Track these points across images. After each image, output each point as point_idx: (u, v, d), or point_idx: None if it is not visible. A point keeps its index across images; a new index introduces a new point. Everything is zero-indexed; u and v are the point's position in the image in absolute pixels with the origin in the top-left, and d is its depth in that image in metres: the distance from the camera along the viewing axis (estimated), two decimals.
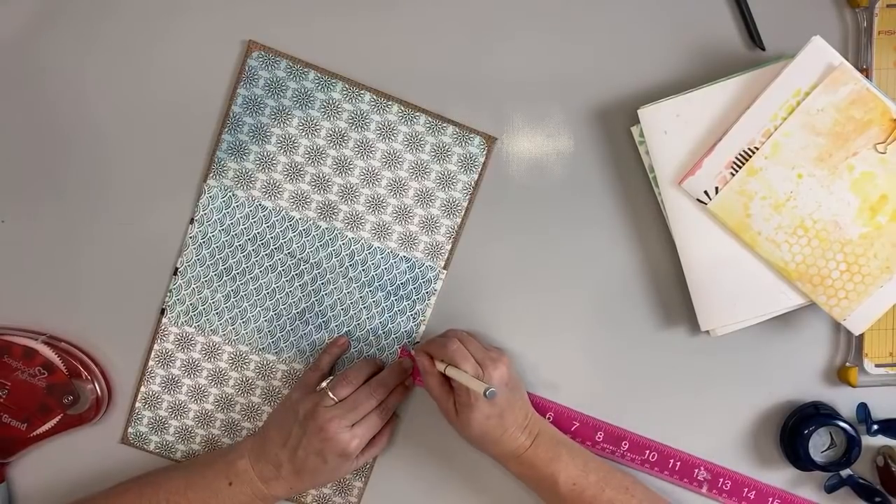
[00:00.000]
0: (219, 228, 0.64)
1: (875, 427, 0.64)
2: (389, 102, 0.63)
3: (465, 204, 0.64)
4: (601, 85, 0.64)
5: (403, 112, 0.63)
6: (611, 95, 0.64)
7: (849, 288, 0.60)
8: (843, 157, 0.59)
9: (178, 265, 0.64)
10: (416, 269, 0.65)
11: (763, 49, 0.63)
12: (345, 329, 0.65)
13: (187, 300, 0.64)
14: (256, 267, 0.64)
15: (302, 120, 0.63)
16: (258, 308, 0.65)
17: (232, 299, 0.65)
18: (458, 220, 0.64)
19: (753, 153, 0.60)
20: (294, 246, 0.64)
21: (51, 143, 0.64)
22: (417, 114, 0.63)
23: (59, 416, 0.63)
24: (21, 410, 0.63)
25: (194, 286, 0.64)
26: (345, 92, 0.63)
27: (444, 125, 0.64)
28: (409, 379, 0.64)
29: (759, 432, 0.66)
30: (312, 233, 0.64)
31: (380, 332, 0.65)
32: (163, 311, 0.65)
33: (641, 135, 0.62)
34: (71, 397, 0.63)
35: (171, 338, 0.65)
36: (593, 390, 0.66)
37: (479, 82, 0.64)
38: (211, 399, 0.65)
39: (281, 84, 0.63)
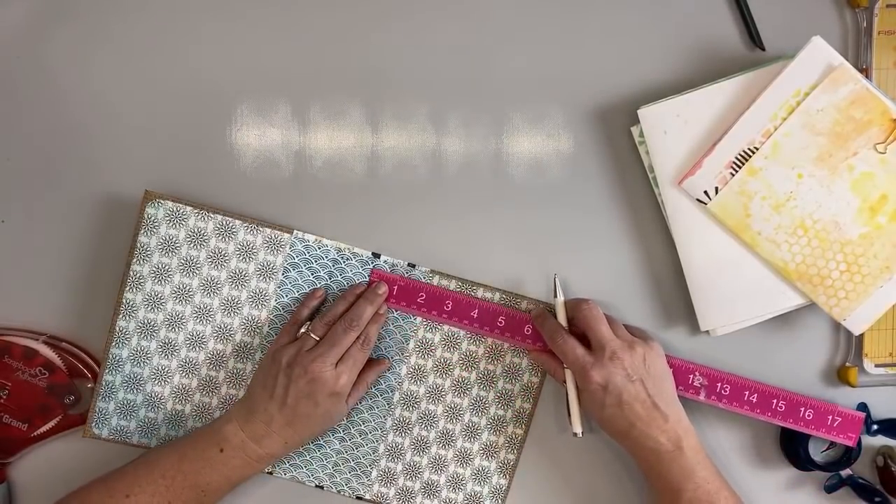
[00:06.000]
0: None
1: (875, 427, 0.64)
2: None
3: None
4: (601, 85, 0.64)
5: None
6: (611, 95, 0.64)
7: (849, 288, 0.60)
8: (843, 157, 0.59)
9: None
10: None
11: (763, 49, 0.63)
12: None
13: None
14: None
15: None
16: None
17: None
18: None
19: (753, 153, 0.60)
20: None
21: (51, 143, 0.64)
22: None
23: (60, 416, 0.63)
24: (22, 410, 0.63)
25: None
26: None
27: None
28: (384, 305, 0.63)
29: (759, 432, 0.67)
30: None
31: None
32: None
33: (641, 135, 0.62)
34: (72, 397, 0.63)
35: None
36: None
37: (479, 82, 0.64)
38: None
39: None
